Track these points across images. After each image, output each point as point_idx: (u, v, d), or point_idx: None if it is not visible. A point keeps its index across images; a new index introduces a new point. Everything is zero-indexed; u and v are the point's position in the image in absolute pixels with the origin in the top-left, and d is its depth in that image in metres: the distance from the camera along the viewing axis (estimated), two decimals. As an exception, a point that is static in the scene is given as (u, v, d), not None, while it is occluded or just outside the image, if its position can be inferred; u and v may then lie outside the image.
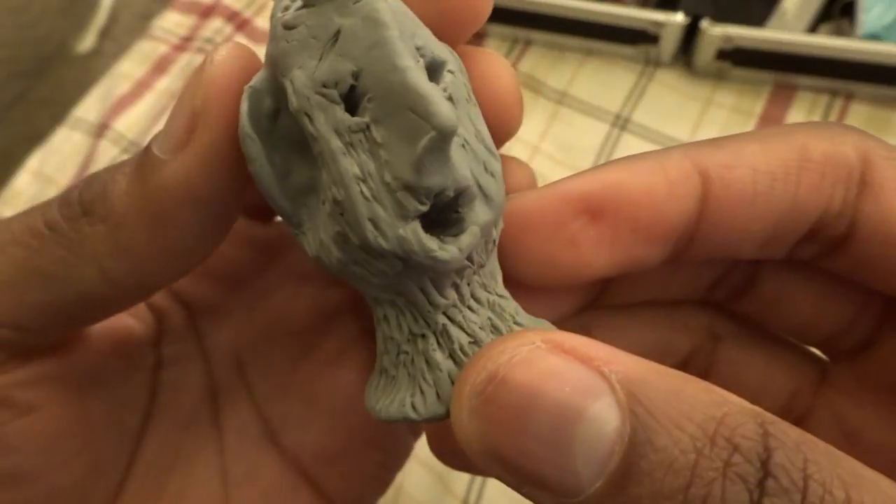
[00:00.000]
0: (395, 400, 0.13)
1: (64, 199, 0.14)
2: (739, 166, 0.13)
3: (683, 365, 0.16)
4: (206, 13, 0.54)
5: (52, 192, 0.48)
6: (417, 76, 0.11)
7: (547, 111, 0.44)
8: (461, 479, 0.34)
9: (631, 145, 0.42)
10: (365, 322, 0.20)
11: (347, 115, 0.12)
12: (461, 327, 0.12)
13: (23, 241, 0.14)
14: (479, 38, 0.48)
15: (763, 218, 0.13)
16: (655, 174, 0.13)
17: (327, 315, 0.20)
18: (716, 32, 0.40)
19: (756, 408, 0.10)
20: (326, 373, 0.20)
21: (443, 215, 0.12)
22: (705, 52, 0.42)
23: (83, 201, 0.14)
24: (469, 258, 0.12)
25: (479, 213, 0.12)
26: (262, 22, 0.53)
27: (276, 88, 0.13)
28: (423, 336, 0.13)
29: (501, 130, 0.15)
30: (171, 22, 0.54)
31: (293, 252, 0.20)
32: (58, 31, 0.60)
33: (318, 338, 0.20)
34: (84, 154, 0.49)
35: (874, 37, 0.40)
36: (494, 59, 0.15)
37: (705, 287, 0.16)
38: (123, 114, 0.50)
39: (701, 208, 0.13)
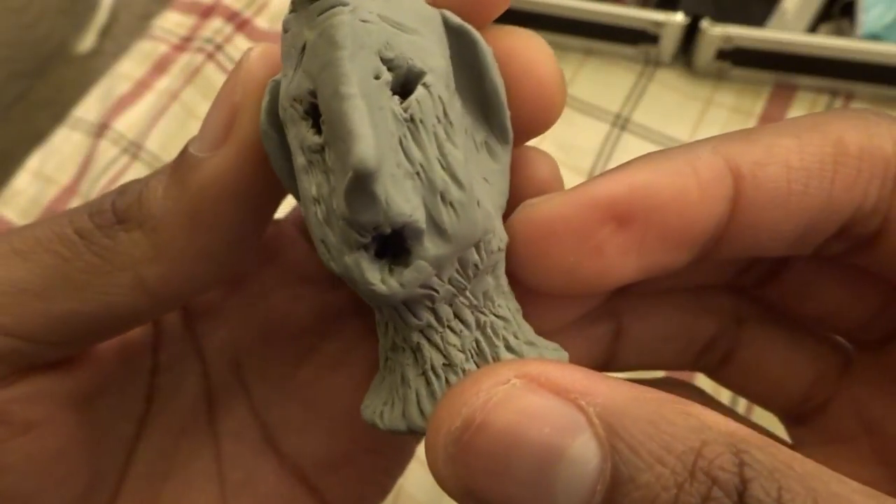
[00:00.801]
0: (372, 403, 0.13)
1: (95, 208, 0.14)
2: (773, 163, 0.12)
3: (708, 348, 0.16)
4: (206, 13, 0.54)
5: (52, 191, 0.48)
6: (353, 106, 0.10)
7: (547, 111, 0.44)
8: (461, 479, 0.33)
9: (631, 145, 0.42)
10: (369, 323, 0.20)
11: (310, 134, 0.11)
12: (437, 348, 0.12)
13: (51, 249, 0.13)
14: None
15: (795, 217, 0.12)
16: (685, 175, 0.12)
17: (328, 317, 0.19)
18: (716, 32, 0.40)
19: (733, 428, 0.10)
20: (327, 376, 0.19)
21: (399, 245, 0.11)
22: (705, 52, 0.42)
23: (117, 209, 0.13)
24: (430, 287, 0.11)
25: (427, 248, 0.11)
26: (263, 22, 0.53)
27: None
28: (403, 349, 0.13)
29: (539, 121, 0.14)
30: (171, 22, 0.54)
31: (292, 252, 0.20)
32: (58, 31, 0.60)
33: (319, 340, 0.19)
34: (84, 154, 0.49)
35: (874, 37, 0.40)
36: (532, 41, 0.13)
37: (732, 274, 0.16)
38: (123, 114, 0.50)
39: (732, 209, 0.12)
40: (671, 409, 0.10)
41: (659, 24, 0.42)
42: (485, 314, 0.12)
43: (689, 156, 0.12)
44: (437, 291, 0.12)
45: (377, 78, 0.11)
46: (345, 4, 0.11)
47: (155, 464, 0.18)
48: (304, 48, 0.11)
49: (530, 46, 0.13)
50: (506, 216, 0.13)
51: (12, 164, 0.50)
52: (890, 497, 0.09)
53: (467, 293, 0.12)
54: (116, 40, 0.58)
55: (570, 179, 0.13)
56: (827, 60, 0.39)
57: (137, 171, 0.47)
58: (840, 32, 0.42)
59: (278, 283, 0.19)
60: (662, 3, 0.44)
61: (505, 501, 0.10)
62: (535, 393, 0.10)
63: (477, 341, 0.12)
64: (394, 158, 0.11)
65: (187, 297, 0.15)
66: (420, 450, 0.31)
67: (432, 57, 0.11)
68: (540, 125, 0.14)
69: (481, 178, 0.12)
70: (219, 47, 0.51)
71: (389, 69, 0.11)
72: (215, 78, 0.50)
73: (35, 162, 0.50)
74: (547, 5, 0.43)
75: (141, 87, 0.51)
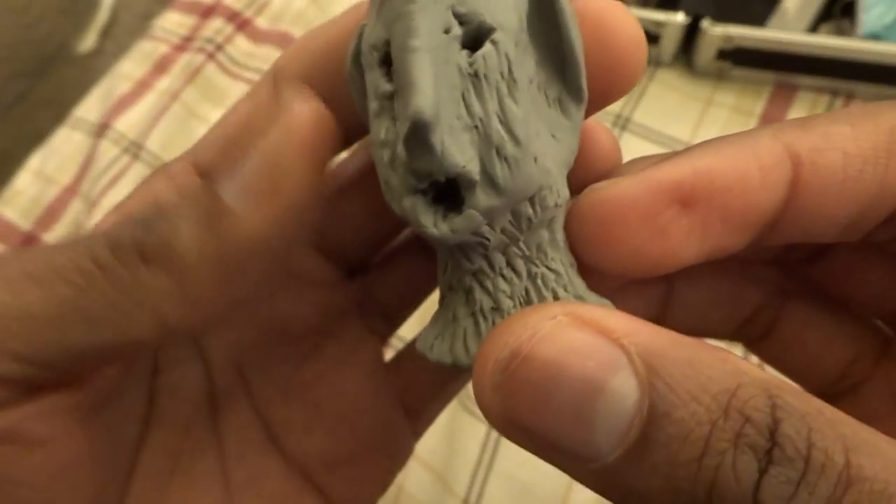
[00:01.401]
0: (426, 336, 0.14)
1: (115, 243, 0.13)
2: (830, 149, 0.12)
3: (752, 318, 0.17)
4: (207, 13, 0.54)
5: (52, 191, 0.48)
6: (417, 59, 0.11)
7: (547, 111, 0.44)
8: (461, 478, 0.34)
9: (632, 145, 0.42)
10: (370, 324, 0.20)
11: (383, 81, 0.12)
12: (487, 292, 0.13)
13: (67, 278, 0.13)
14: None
15: (851, 203, 0.12)
16: (747, 160, 0.12)
17: (330, 318, 0.19)
18: (716, 32, 0.40)
19: (767, 377, 0.10)
20: (329, 377, 0.19)
21: (456, 193, 0.12)
22: (706, 51, 0.42)
23: (141, 247, 0.13)
24: (481, 235, 0.12)
25: (479, 199, 0.12)
26: (263, 22, 0.53)
27: None
28: (457, 290, 0.13)
29: (617, 85, 0.14)
30: (172, 22, 0.54)
31: (295, 253, 0.20)
32: (59, 31, 0.60)
33: (321, 341, 0.19)
34: (85, 154, 0.49)
35: (875, 36, 0.40)
36: (614, 5, 0.13)
37: (779, 250, 0.16)
38: (124, 114, 0.50)
39: (790, 194, 0.12)
40: (708, 354, 0.10)
41: (659, 24, 0.42)
42: (537, 265, 0.13)
43: (750, 141, 0.12)
44: (488, 240, 0.12)
45: (447, 32, 0.11)
46: None
47: (160, 464, 0.18)
48: None
49: (612, 10, 0.13)
50: (570, 187, 0.13)
51: (13, 164, 0.50)
52: None
53: (521, 244, 0.12)
54: (117, 40, 0.58)
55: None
56: (827, 60, 0.39)
57: (138, 171, 0.47)
58: (840, 32, 0.42)
59: (280, 285, 0.19)
60: (663, 2, 0.44)
61: (546, 431, 0.10)
62: (580, 330, 0.10)
63: (526, 290, 0.13)
64: (454, 111, 0.11)
65: (203, 329, 0.15)
66: (420, 450, 0.31)
67: (504, 13, 0.12)
68: (618, 89, 0.14)
69: (549, 133, 0.13)
70: (219, 47, 0.51)
71: (461, 23, 0.11)
72: (216, 78, 0.50)
73: (36, 162, 0.50)
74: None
75: (141, 87, 0.51)
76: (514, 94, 0.11)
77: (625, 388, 0.10)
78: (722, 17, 0.41)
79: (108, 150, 0.48)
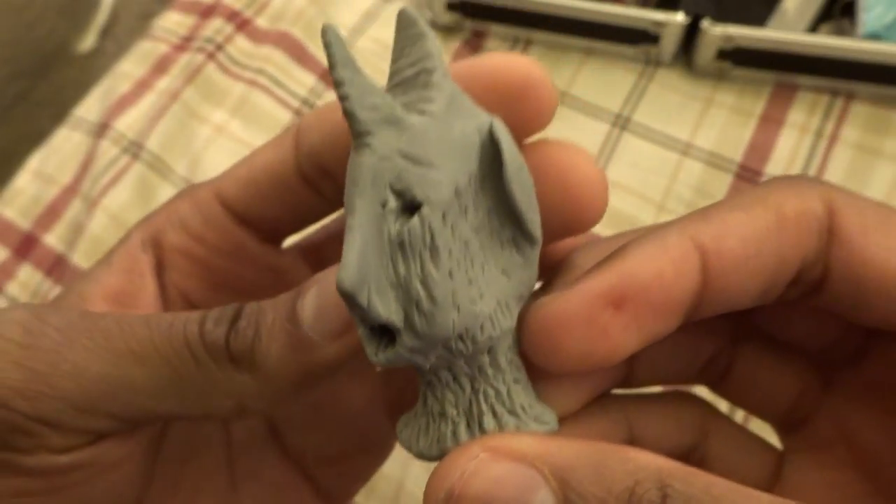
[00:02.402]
0: (401, 420, 0.16)
1: (209, 340, 0.16)
2: (729, 235, 0.14)
3: (709, 363, 0.19)
4: (207, 13, 0.54)
5: (52, 191, 0.48)
6: (351, 237, 0.13)
7: (547, 111, 0.44)
8: (461, 478, 0.34)
9: (631, 145, 0.42)
10: None
11: None
12: (437, 399, 0.15)
13: (167, 359, 0.16)
14: (480, 37, 0.48)
15: (756, 277, 0.14)
16: (660, 257, 0.14)
17: None
18: (716, 32, 0.40)
19: (662, 465, 0.12)
20: (329, 382, 0.21)
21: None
22: (706, 51, 0.42)
23: (231, 349, 0.16)
24: (415, 362, 0.14)
25: (404, 340, 0.14)
26: (263, 22, 0.53)
27: None
28: (420, 389, 0.16)
29: (575, 228, 0.16)
30: (172, 21, 0.54)
31: (300, 274, 0.22)
32: (58, 31, 0.60)
33: None
34: (84, 154, 0.49)
35: (875, 36, 0.40)
36: (578, 159, 0.15)
37: None
38: (124, 113, 0.50)
39: (703, 278, 0.14)
40: (611, 457, 0.12)
41: (659, 24, 0.42)
42: (480, 383, 0.15)
43: (660, 240, 0.15)
44: (424, 365, 0.14)
45: (384, 205, 0.14)
46: (367, 146, 0.13)
47: (177, 453, 0.20)
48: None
49: (578, 161, 0.16)
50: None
51: (13, 164, 0.50)
52: (791, 501, 0.11)
53: (461, 365, 0.15)
54: (117, 40, 0.58)
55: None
56: (827, 60, 0.40)
57: (138, 171, 0.47)
58: (841, 32, 0.43)
59: None
60: (663, 2, 0.44)
61: None
62: (499, 462, 0.13)
63: (470, 402, 0.15)
64: (384, 272, 0.14)
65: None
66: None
67: (436, 188, 0.14)
68: (579, 229, 0.16)
69: (499, 271, 0.15)
70: (219, 47, 0.51)
71: (399, 196, 0.14)
72: (216, 78, 0.50)
73: (35, 162, 0.50)
74: (547, 5, 0.43)
75: (141, 86, 0.51)
76: (434, 259, 0.14)
77: None
78: (722, 17, 0.41)
79: (107, 149, 0.48)
